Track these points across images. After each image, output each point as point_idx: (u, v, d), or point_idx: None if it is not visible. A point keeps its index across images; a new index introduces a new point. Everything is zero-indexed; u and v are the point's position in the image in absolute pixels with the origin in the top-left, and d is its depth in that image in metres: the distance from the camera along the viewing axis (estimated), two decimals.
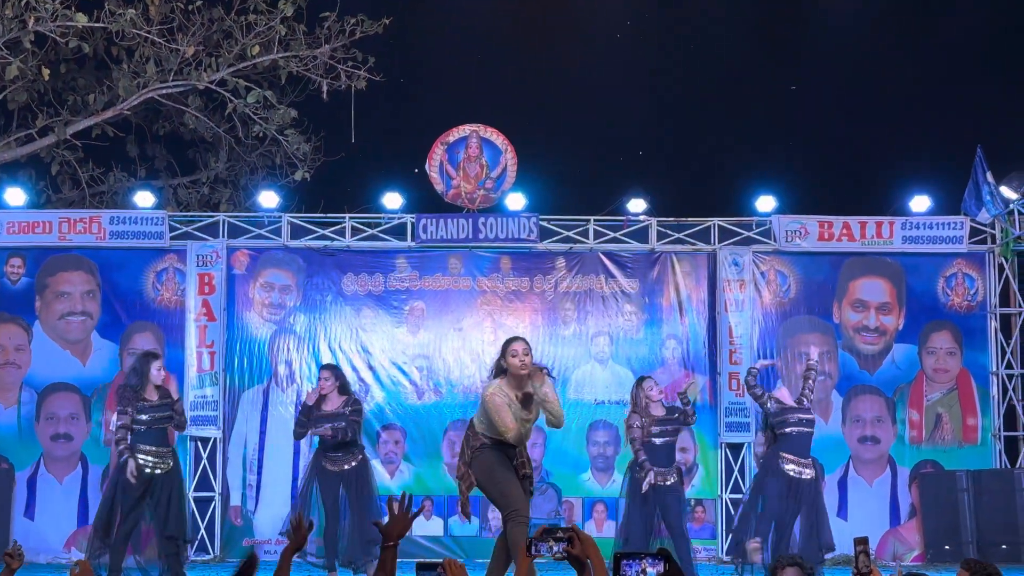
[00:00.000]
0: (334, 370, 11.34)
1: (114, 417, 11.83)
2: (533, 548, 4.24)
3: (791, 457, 10.43)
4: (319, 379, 11.14)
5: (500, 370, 8.41)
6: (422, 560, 4.84)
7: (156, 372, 10.34)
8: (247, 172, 15.35)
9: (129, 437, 10.19)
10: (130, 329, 13.48)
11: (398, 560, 12.33)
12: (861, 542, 5.22)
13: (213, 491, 13.13)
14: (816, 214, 13.66)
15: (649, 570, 4.00)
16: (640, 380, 10.82)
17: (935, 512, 13.10)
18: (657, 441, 10.47)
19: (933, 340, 13.68)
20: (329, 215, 13.78)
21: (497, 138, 13.59)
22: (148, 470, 10.17)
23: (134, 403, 10.19)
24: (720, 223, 13.68)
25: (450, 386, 13.55)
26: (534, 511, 12.48)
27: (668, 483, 10.46)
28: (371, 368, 13.48)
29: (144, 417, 10.21)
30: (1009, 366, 13.68)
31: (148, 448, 10.23)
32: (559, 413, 8.34)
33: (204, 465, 13.09)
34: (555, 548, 4.18)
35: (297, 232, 13.60)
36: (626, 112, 15.70)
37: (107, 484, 10.84)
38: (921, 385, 13.65)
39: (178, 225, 13.54)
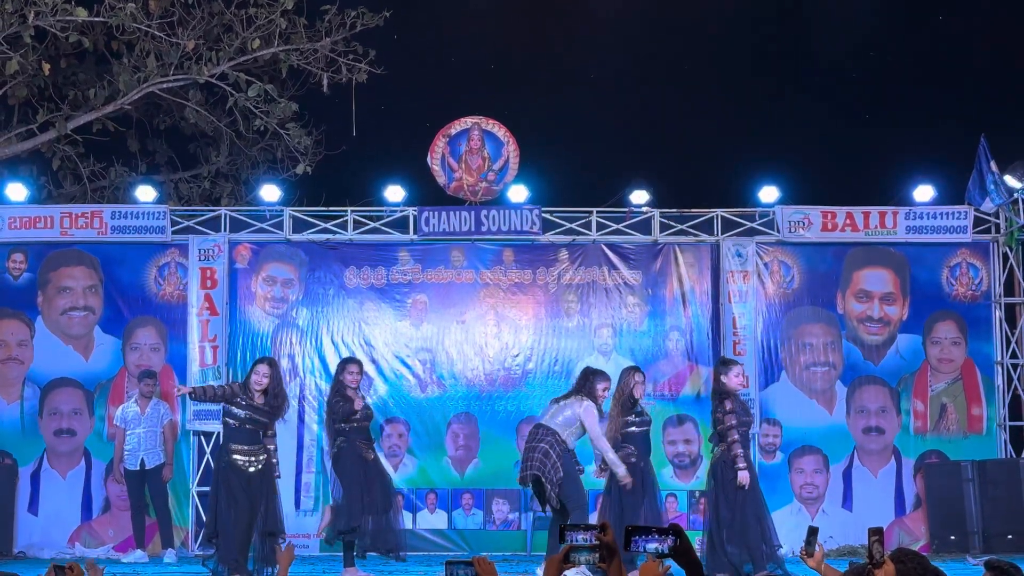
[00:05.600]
0: (360, 364, 11.32)
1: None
2: (570, 551, 4.16)
3: None
4: (349, 373, 10.94)
5: (591, 393, 10.58)
6: (452, 559, 4.90)
7: (254, 377, 10.27)
8: (248, 166, 15.44)
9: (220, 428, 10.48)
10: (132, 324, 13.45)
11: (411, 553, 12.12)
12: (875, 532, 5.19)
13: None
14: (819, 204, 13.60)
15: (659, 545, 3.99)
16: (634, 371, 10.98)
17: (940, 502, 13.03)
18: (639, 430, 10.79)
19: (937, 330, 13.62)
20: (331, 208, 13.71)
21: (499, 130, 13.53)
22: (247, 469, 10.18)
23: (232, 399, 10.19)
24: (723, 214, 13.62)
25: (453, 379, 13.50)
26: (539, 504, 12.62)
27: (642, 464, 10.77)
28: (374, 361, 13.39)
29: (241, 414, 10.18)
30: (1014, 355, 13.61)
31: (239, 447, 10.17)
32: None
33: (208, 460, 12.95)
34: (582, 537, 4.13)
35: (299, 226, 13.56)
36: (628, 103, 15.76)
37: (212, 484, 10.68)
38: (925, 375, 13.59)
39: (179, 219, 13.49)
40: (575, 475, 10.51)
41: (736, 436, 10.23)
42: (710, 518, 10.43)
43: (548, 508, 10.67)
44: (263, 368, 10.32)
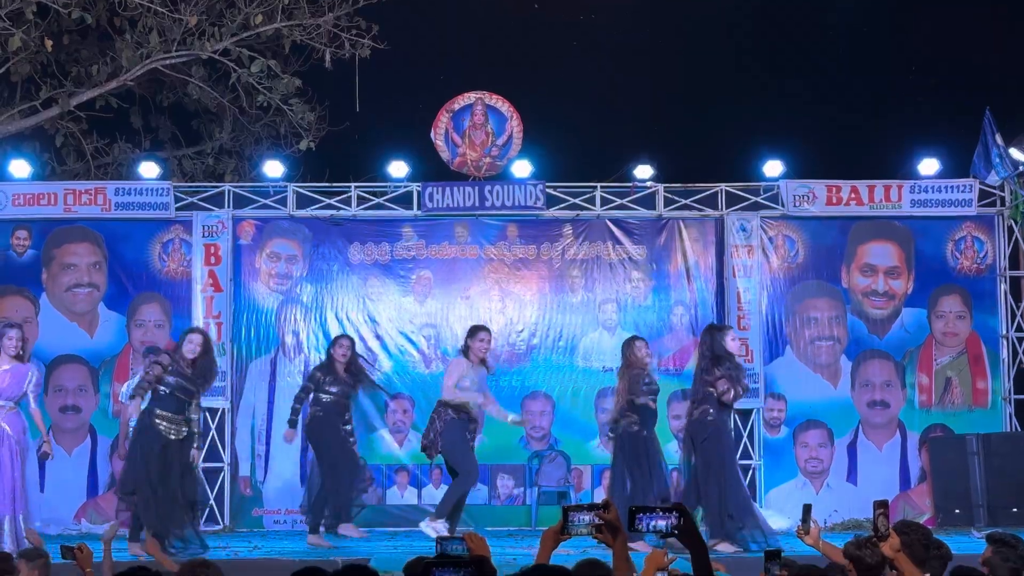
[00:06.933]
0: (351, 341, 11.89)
1: (131, 381, 12.08)
2: (569, 525, 4.25)
3: None
4: (337, 346, 11.50)
5: (465, 349, 10.99)
6: (443, 535, 4.91)
7: (187, 346, 10.50)
8: (252, 142, 15.35)
9: (148, 395, 10.59)
10: (136, 300, 13.43)
11: (415, 528, 12.54)
12: (880, 505, 5.23)
13: (222, 461, 13.12)
14: (824, 178, 13.56)
15: (661, 522, 4.02)
16: (634, 339, 11.24)
17: (945, 476, 12.98)
18: (644, 400, 10.92)
19: (942, 304, 13.58)
20: (335, 184, 13.67)
21: (502, 105, 13.47)
22: (167, 435, 10.44)
23: (166, 366, 10.42)
24: (727, 188, 13.57)
25: (458, 355, 13.44)
26: (544, 479, 12.94)
27: (645, 433, 10.92)
28: (378, 337, 13.44)
29: (172, 381, 10.47)
30: (1019, 329, 13.58)
31: (165, 414, 10.43)
32: None
33: (213, 435, 13.01)
34: (587, 518, 4.22)
35: (303, 202, 13.51)
36: (632, 77, 15.61)
37: (129, 447, 10.97)
38: (930, 349, 13.56)
39: (183, 196, 13.45)
40: (460, 443, 10.87)
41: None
42: (699, 491, 10.59)
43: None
44: (196, 337, 10.61)
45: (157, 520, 10.34)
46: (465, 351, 11.10)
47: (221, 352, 12.92)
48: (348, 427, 11.58)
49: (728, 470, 10.66)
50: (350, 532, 11.15)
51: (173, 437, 10.41)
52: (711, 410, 10.67)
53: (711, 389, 10.68)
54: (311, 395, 11.52)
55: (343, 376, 11.52)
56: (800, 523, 5.93)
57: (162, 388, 10.42)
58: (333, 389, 11.34)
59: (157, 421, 10.38)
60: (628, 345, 11.16)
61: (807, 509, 5.95)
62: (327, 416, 11.32)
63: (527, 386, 13.42)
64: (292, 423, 11.60)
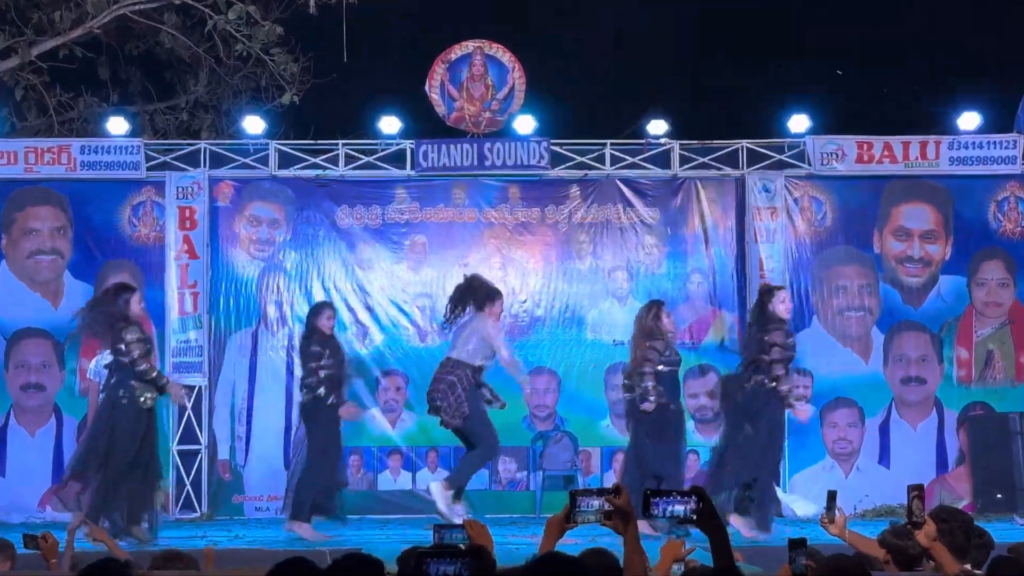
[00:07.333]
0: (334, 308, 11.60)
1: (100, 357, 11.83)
2: (576, 511, 4.20)
3: None
4: (325, 317, 11.01)
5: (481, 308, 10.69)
6: (440, 523, 4.71)
7: (137, 307, 10.48)
8: (230, 96, 15.28)
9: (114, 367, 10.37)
10: (105, 268, 13.11)
11: (409, 515, 12.44)
12: (915, 489, 5.11)
13: (199, 444, 12.86)
14: (854, 134, 13.23)
15: (678, 508, 4.00)
16: (659, 305, 10.98)
17: (985, 458, 12.75)
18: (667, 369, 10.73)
19: (983, 270, 13.26)
20: (320, 142, 13.43)
21: (503, 55, 13.14)
22: (143, 405, 10.30)
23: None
24: (749, 145, 13.21)
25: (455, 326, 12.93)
26: (549, 463, 13.06)
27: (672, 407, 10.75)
28: (369, 308, 13.14)
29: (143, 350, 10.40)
30: None
31: (137, 383, 10.24)
32: None
33: (188, 415, 12.75)
34: (596, 504, 4.18)
35: (286, 161, 13.21)
36: (645, 27, 15.60)
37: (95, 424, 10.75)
38: (970, 320, 13.24)
39: (155, 154, 13.19)
40: (482, 412, 10.58)
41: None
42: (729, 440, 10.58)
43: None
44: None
45: (123, 502, 10.20)
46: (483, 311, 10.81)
47: (198, 325, 12.89)
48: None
49: (772, 453, 10.56)
50: (306, 533, 10.70)
51: (149, 406, 10.27)
52: (765, 379, 10.32)
53: (764, 355, 10.31)
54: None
55: (337, 346, 11.10)
56: (824, 511, 5.84)
57: (135, 354, 10.23)
58: (329, 362, 10.83)
59: (134, 391, 10.16)
60: (651, 310, 10.82)
61: (832, 496, 5.86)
62: (325, 393, 10.81)
63: (531, 361, 13.00)
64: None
